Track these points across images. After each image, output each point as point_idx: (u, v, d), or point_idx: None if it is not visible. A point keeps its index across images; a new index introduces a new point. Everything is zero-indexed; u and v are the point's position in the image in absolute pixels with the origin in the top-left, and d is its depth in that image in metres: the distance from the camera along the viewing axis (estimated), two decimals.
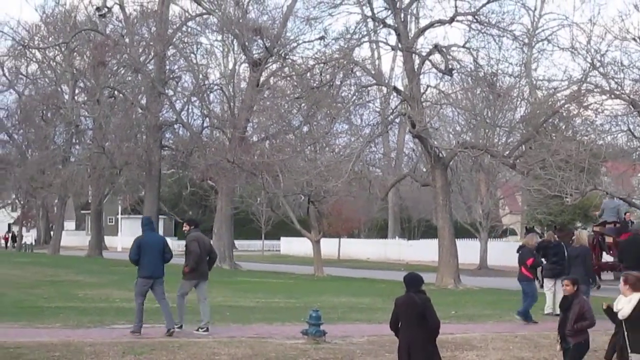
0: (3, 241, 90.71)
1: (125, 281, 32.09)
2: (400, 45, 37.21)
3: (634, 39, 31.80)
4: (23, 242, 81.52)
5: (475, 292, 31.47)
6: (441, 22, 35.82)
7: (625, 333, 11.23)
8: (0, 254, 69.10)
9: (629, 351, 11.21)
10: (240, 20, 47.06)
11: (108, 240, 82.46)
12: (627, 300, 11.34)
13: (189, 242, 18.02)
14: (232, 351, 15.38)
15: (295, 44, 46.16)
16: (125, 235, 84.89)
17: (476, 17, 34.62)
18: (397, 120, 44.88)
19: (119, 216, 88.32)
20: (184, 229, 18.75)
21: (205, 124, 54.15)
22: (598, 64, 31.35)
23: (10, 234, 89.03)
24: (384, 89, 41.75)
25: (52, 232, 79.47)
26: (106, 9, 57.65)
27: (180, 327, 17.72)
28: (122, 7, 57.10)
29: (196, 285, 18.03)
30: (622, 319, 11.28)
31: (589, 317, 11.97)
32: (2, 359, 14.11)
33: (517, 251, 21.63)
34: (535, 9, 56.65)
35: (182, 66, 55.50)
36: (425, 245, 58.26)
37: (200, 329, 17.63)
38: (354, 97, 37.59)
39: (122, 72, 57.68)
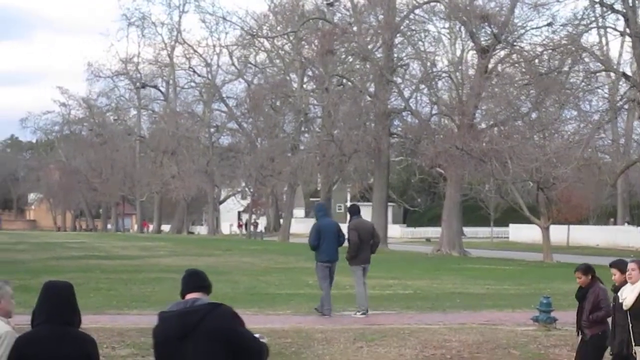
0: (237, 228, 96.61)
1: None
2: (628, 31, 39.08)
3: None
4: (258, 229, 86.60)
5: None
6: None
7: (630, 325, 11.09)
8: (233, 241, 74.09)
9: (634, 344, 11.07)
10: (468, 8, 49.99)
11: None
12: (631, 289, 11.19)
13: (349, 231, 19.28)
14: (462, 337, 16.10)
15: (522, 31, 48.71)
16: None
17: None
18: (626, 106, 46.44)
19: (348, 203, 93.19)
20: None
21: (433, 111, 57.32)
22: None
23: (242, 222, 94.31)
24: (613, 75, 43.53)
25: (281, 220, 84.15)
26: None
27: (363, 312, 19.16)
28: None
29: (362, 270, 19.46)
30: (626, 310, 11.13)
31: (604, 307, 11.73)
32: None
33: None
34: None
35: (410, 54, 59.05)
36: None
37: (357, 313, 19.17)
38: (583, 84, 39.82)
39: (350, 60, 61.83)
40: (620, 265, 11.63)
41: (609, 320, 11.70)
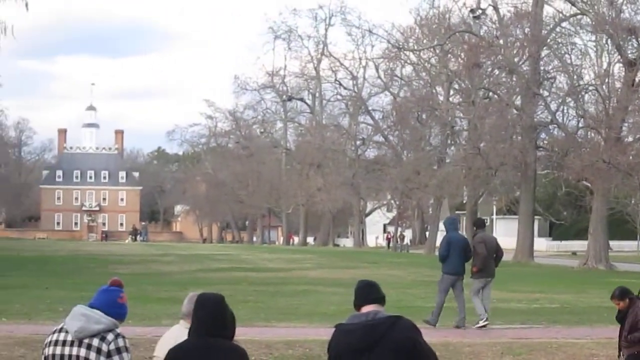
0: (385, 241, 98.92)
1: (504, 282, 34.84)
2: None
3: None
4: (404, 242, 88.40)
5: None
6: None
7: None
8: (379, 253, 75.71)
9: None
10: (615, 20, 51.13)
11: None
12: None
13: (476, 244, 20.29)
14: (610, 352, 16.01)
15: None
16: (499, 235, 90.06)
17: None
18: None
19: (494, 216, 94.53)
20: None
21: (580, 125, 58.29)
22: None
23: (391, 235, 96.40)
24: None
25: (427, 233, 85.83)
26: (480, 11, 63.65)
27: (486, 320, 19.86)
28: (496, 9, 62.64)
29: (485, 283, 20.40)
30: None
31: None
32: None
33: None
34: None
35: (556, 67, 60.42)
36: None
37: (480, 322, 19.81)
38: None
39: (497, 73, 63.31)
40: (622, 296, 12.13)
41: None
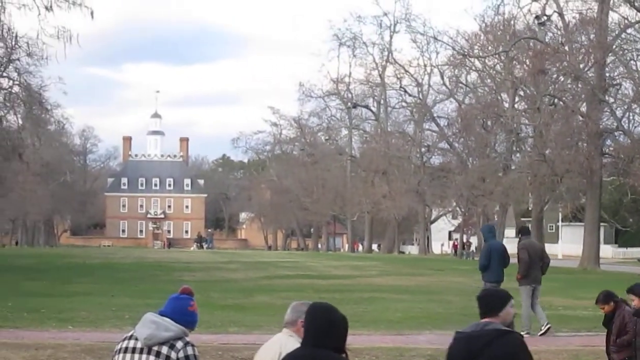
0: (452, 249, 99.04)
1: (570, 288, 36.63)
2: None
3: None
4: (470, 249, 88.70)
5: None
6: None
7: None
8: (444, 260, 75.97)
9: None
10: None
11: (548, 247, 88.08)
12: None
13: (519, 250, 20.52)
14: None
15: None
16: (565, 242, 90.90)
17: None
18: None
19: (559, 223, 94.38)
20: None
21: None
22: None
23: (458, 242, 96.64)
24: None
25: None
26: (545, 17, 63.63)
27: (549, 328, 20.13)
28: (561, 15, 62.82)
29: (532, 290, 20.56)
30: None
31: (630, 330, 11.81)
32: None
33: None
34: None
35: (622, 73, 60.46)
36: None
37: (542, 330, 20.04)
38: None
39: (562, 79, 63.41)
40: (638, 291, 11.92)
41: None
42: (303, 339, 6.34)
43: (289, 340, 6.96)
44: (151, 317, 6.67)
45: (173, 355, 6.52)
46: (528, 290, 20.48)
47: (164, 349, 6.54)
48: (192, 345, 6.65)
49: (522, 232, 21.47)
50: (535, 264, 20.51)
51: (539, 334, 20.00)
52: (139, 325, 6.67)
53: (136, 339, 6.63)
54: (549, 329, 20.15)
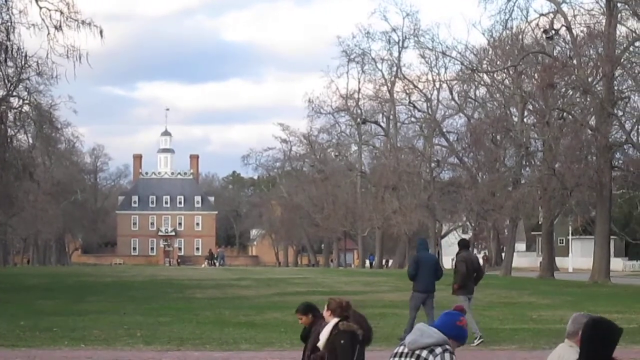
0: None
1: (581, 302, 36.29)
2: None
3: None
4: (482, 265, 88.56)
5: None
6: None
7: None
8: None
9: None
10: None
11: (559, 260, 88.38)
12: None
13: (458, 263, 21.73)
14: None
15: None
16: (575, 255, 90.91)
17: None
18: None
19: (570, 237, 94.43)
20: None
21: None
22: None
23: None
24: None
25: (503, 254, 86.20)
26: (553, 32, 63.70)
27: (480, 337, 20.85)
28: (569, 29, 62.73)
29: (467, 300, 21.33)
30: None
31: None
32: None
33: None
34: None
35: (630, 86, 60.51)
36: None
37: (475, 340, 20.58)
38: None
39: (571, 93, 63.48)
40: (306, 310, 11.85)
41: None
42: (580, 350, 6.72)
43: (568, 351, 7.43)
44: (420, 326, 7.76)
45: (431, 358, 7.44)
46: (466, 300, 21.19)
47: (424, 353, 7.47)
48: (451, 353, 7.52)
49: (462, 245, 22.57)
50: (471, 276, 21.55)
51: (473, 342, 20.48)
52: (410, 333, 7.71)
53: (404, 345, 7.65)
54: (481, 341, 20.84)
